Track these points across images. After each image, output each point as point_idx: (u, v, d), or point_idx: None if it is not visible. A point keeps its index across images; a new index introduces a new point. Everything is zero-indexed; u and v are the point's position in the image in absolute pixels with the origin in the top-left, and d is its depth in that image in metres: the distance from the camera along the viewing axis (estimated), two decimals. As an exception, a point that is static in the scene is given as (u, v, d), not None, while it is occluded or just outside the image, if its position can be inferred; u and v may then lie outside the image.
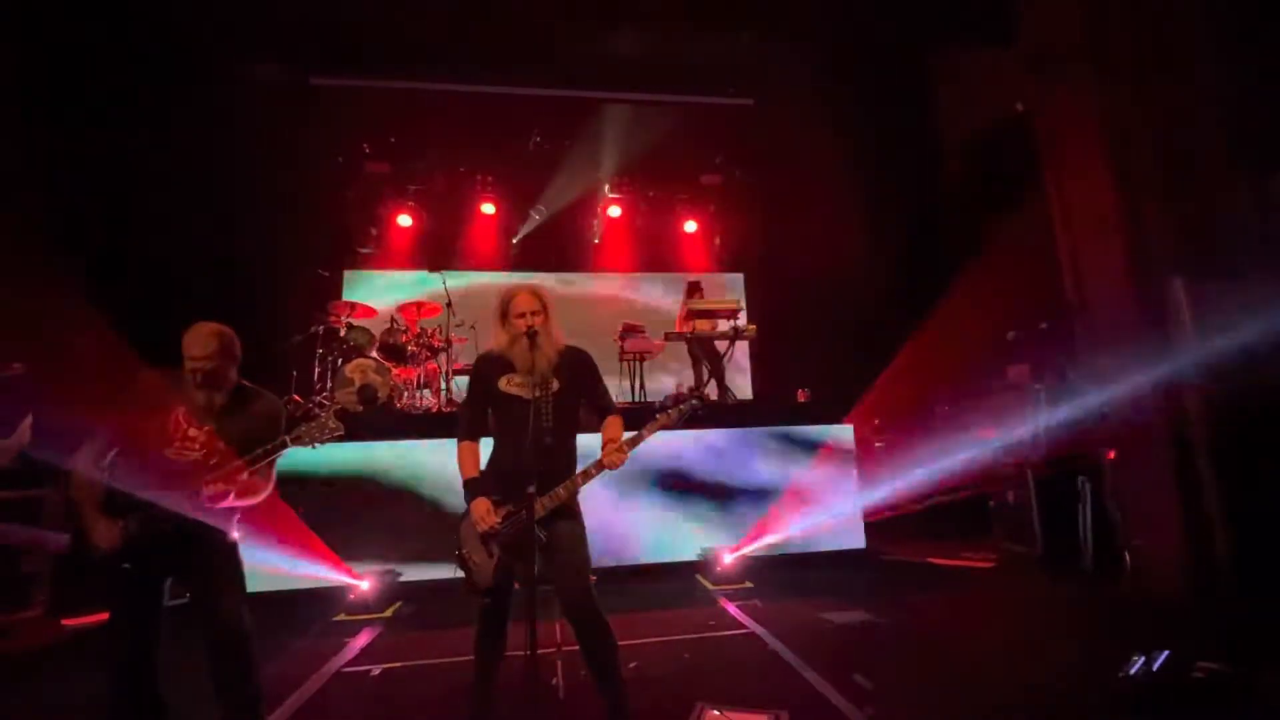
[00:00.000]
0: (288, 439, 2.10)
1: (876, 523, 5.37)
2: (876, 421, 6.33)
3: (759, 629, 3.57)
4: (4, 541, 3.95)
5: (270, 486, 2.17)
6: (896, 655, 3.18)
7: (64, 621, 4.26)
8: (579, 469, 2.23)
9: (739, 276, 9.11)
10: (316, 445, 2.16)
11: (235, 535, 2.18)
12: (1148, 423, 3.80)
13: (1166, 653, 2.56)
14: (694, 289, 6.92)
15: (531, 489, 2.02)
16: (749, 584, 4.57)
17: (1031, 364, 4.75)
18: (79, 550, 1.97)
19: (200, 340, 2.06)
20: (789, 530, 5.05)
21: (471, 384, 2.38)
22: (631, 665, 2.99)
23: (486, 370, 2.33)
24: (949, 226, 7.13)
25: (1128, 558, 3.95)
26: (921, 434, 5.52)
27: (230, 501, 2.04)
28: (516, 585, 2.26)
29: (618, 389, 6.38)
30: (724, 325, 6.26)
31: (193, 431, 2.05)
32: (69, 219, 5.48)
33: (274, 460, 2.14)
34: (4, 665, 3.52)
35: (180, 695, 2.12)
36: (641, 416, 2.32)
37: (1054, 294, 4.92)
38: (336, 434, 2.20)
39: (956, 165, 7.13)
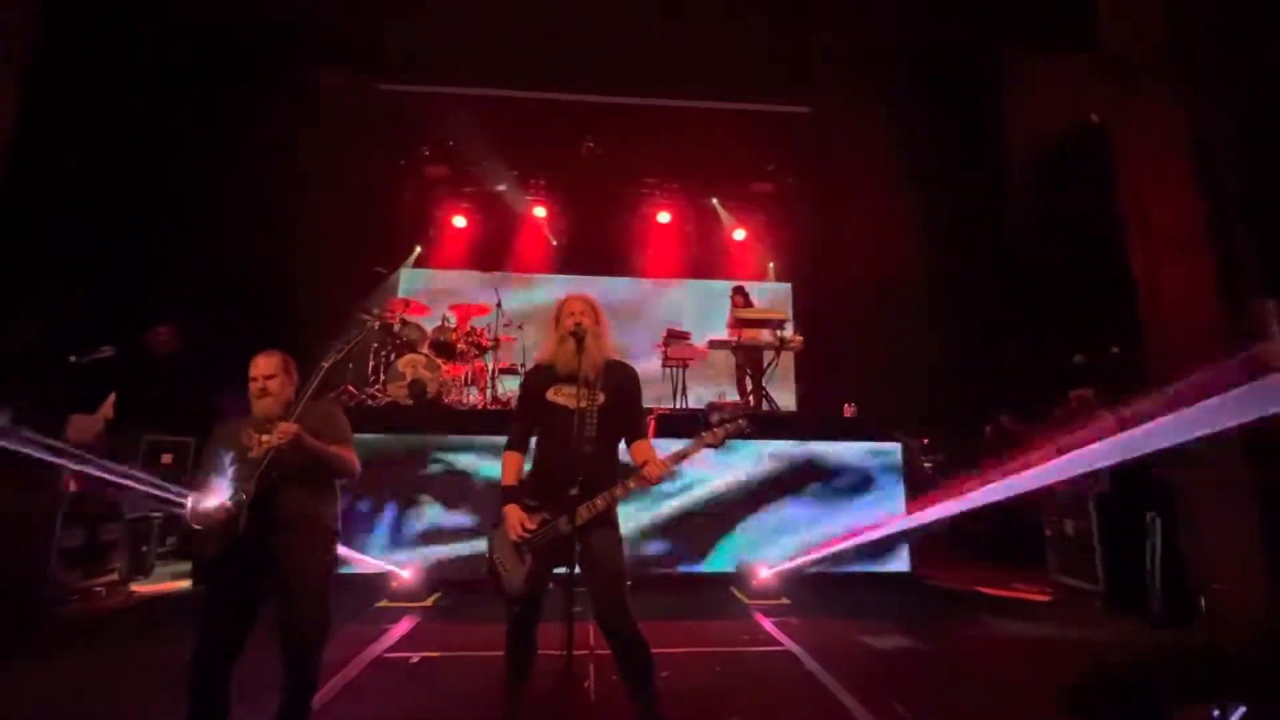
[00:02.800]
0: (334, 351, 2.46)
1: (922, 546, 5.17)
2: (926, 440, 6.10)
3: (795, 647, 3.48)
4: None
5: (355, 462, 2.35)
6: (938, 686, 3.05)
7: (135, 589, 4.58)
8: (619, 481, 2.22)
9: (786, 286, 8.96)
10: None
11: (334, 528, 2.31)
12: (1231, 456, 3.52)
13: (1243, 708, 2.36)
14: (738, 293, 6.86)
15: (574, 491, 2.03)
16: (786, 600, 4.48)
17: (1099, 389, 4.47)
18: (202, 542, 2.15)
19: (265, 359, 2.36)
20: (829, 548, 4.93)
21: (520, 396, 2.45)
22: (663, 675, 2.97)
23: (534, 382, 2.38)
24: (1013, 241, 6.83)
25: (1204, 602, 3.66)
26: (974, 456, 5.29)
27: (322, 456, 2.21)
28: (550, 585, 2.28)
29: (659, 395, 6.39)
30: (770, 335, 6.18)
31: (265, 438, 2.19)
32: (143, 218, 5.91)
33: (347, 437, 2.35)
34: (83, 625, 3.80)
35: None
36: (682, 423, 2.29)
37: (1127, 316, 4.64)
38: (359, 338, 2.47)
39: (1023, 177, 6.82)
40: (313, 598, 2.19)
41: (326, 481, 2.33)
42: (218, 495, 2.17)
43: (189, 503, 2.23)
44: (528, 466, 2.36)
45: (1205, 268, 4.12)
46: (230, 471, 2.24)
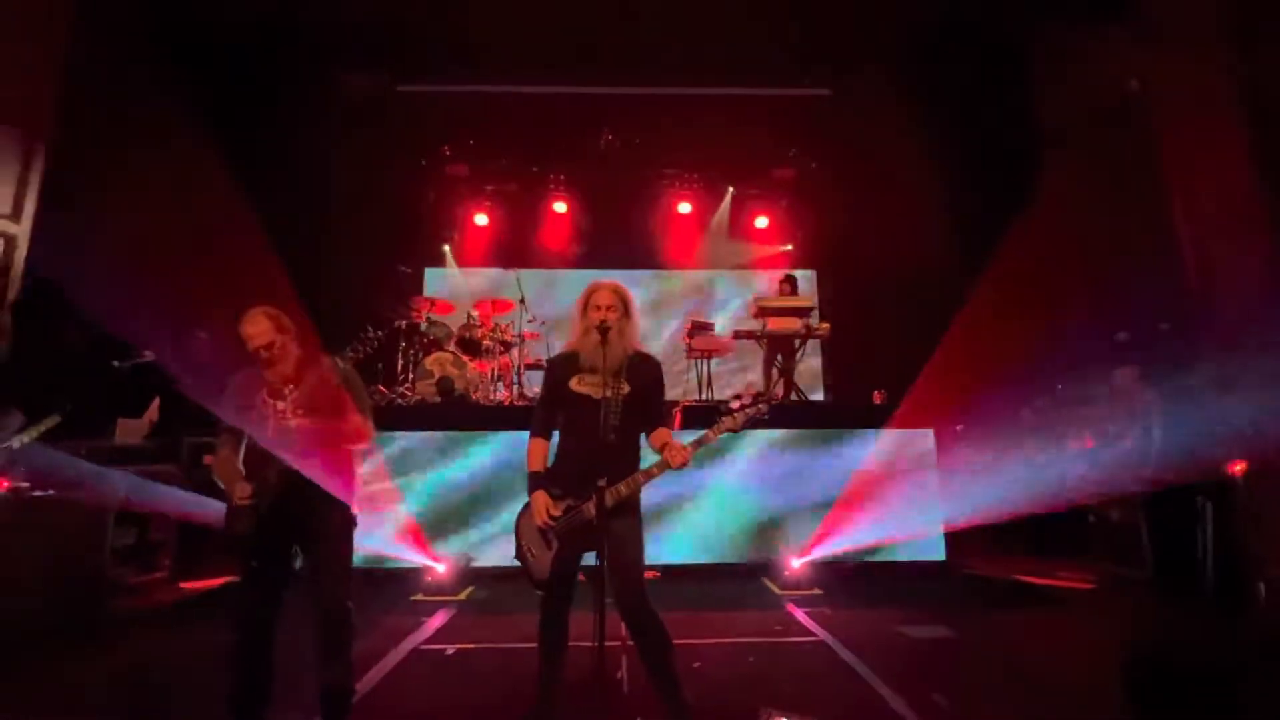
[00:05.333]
0: (338, 360, 2.31)
1: (958, 534, 5.05)
2: (960, 427, 5.94)
3: (828, 637, 3.44)
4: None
5: (370, 429, 2.36)
6: (979, 676, 2.99)
7: (184, 584, 4.75)
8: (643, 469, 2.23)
9: (811, 273, 8.82)
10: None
11: (355, 511, 2.36)
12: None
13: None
14: (787, 281, 6.73)
15: (602, 483, 2.04)
16: (818, 591, 4.43)
17: (1144, 367, 4.28)
18: (228, 519, 2.21)
19: (252, 320, 2.26)
20: (862, 538, 4.85)
21: (545, 383, 2.45)
22: (695, 665, 2.97)
23: (558, 371, 2.38)
24: (1047, 218, 6.58)
25: (1263, 590, 3.49)
26: (1011, 441, 5.13)
27: (335, 436, 2.25)
28: (582, 578, 2.29)
29: (684, 387, 6.37)
30: (796, 323, 6.09)
31: (280, 405, 2.23)
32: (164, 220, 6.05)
33: (363, 406, 2.34)
34: (134, 621, 3.96)
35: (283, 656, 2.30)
36: (707, 415, 2.27)
37: (1172, 291, 4.44)
38: (373, 342, 2.46)
39: (1057, 150, 6.56)
40: (343, 571, 2.25)
41: (346, 456, 2.35)
42: (238, 462, 2.23)
43: (212, 461, 2.32)
44: (552, 455, 2.37)
45: (1259, 239, 3.92)
46: (246, 438, 2.26)
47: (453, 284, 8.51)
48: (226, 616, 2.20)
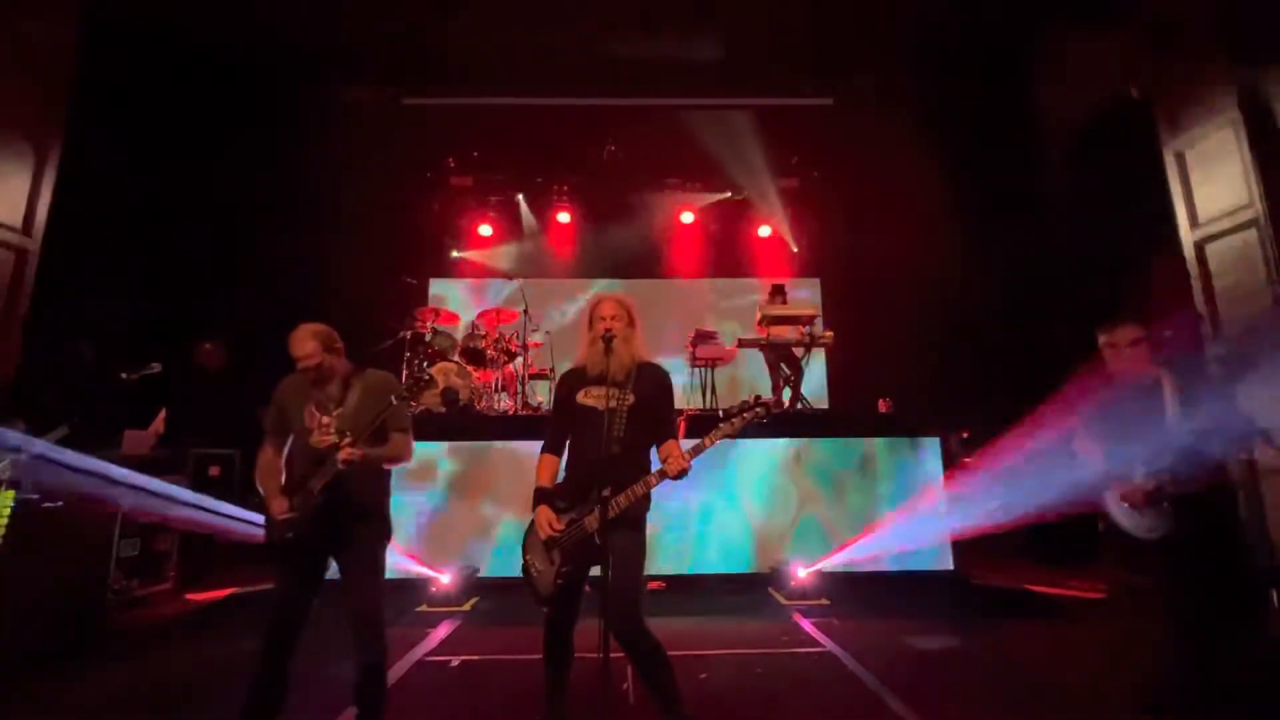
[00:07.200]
0: (393, 399, 2.30)
1: (966, 543, 5.00)
2: (966, 434, 5.90)
3: (835, 648, 3.41)
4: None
5: (410, 448, 2.41)
6: (987, 687, 2.95)
7: (189, 596, 4.75)
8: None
9: (815, 282, 8.82)
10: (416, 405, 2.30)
11: (388, 514, 2.40)
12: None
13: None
14: (776, 292, 6.74)
15: (606, 492, 2.03)
16: (825, 601, 4.39)
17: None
18: (267, 527, 2.29)
19: (299, 342, 2.34)
20: (868, 547, 4.81)
21: (554, 400, 2.47)
22: (701, 676, 2.94)
23: (566, 386, 2.39)
24: (1049, 225, 6.59)
25: (1275, 598, 3.44)
26: (1018, 448, 5.08)
27: (379, 462, 2.31)
28: (588, 589, 2.27)
29: (689, 396, 6.35)
30: (799, 332, 6.08)
31: (325, 419, 2.30)
32: (179, 235, 6.15)
33: (405, 425, 2.38)
34: (141, 631, 3.96)
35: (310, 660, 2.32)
36: (712, 424, 2.25)
37: (1177, 296, 4.42)
38: (431, 388, 2.43)
39: (1058, 158, 6.57)
40: (376, 576, 2.31)
41: (384, 470, 2.41)
42: (280, 465, 2.32)
43: (257, 477, 2.37)
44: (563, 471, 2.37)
45: (1261, 246, 3.90)
46: (290, 446, 2.33)
47: (472, 284, 8.56)
48: (240, 625, 2.21)
